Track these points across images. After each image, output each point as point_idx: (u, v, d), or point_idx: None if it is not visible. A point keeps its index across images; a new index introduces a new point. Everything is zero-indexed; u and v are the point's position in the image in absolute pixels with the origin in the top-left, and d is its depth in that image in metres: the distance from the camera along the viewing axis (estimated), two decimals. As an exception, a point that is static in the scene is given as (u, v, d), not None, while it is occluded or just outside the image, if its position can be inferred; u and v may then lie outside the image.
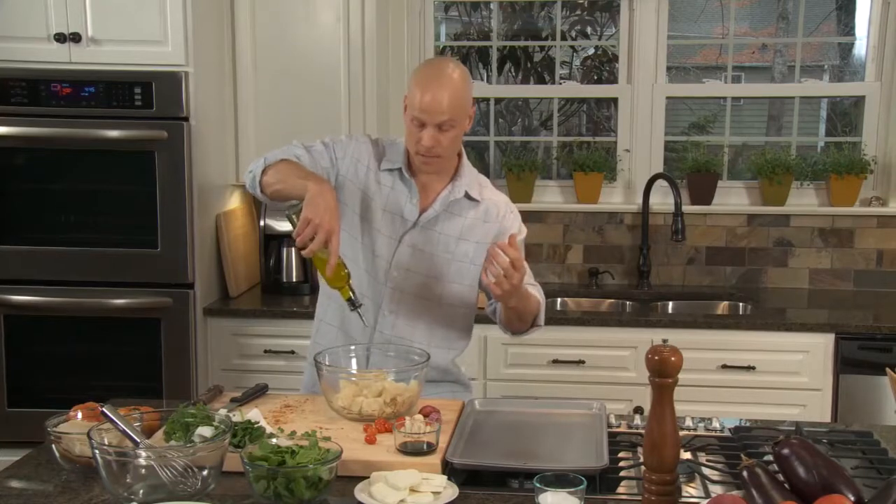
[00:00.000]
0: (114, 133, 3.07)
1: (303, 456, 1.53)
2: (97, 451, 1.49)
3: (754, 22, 4.16)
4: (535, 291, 2.16)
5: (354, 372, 2.05)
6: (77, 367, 3.19)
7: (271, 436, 1.72)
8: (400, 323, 2.18)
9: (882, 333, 3.07)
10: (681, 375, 1.46)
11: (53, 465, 1.69)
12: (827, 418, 3.08)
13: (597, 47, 4.18)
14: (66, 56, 3.10)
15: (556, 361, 3.17)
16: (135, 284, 3.15)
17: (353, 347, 2.13)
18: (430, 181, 2.19)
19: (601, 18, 4.14)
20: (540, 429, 1.90)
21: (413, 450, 1.70)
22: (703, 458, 1.77)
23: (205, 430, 1.61)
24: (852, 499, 1.36)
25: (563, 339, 3.16)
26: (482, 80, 4.06)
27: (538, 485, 1.43)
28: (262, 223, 3.56)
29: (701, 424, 1.95)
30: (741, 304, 3.57)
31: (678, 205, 3.45)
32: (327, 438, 1.67)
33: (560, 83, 3.97)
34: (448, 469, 1.67)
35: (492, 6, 3.94)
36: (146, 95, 3.07)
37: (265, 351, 3.26)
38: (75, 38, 3.08)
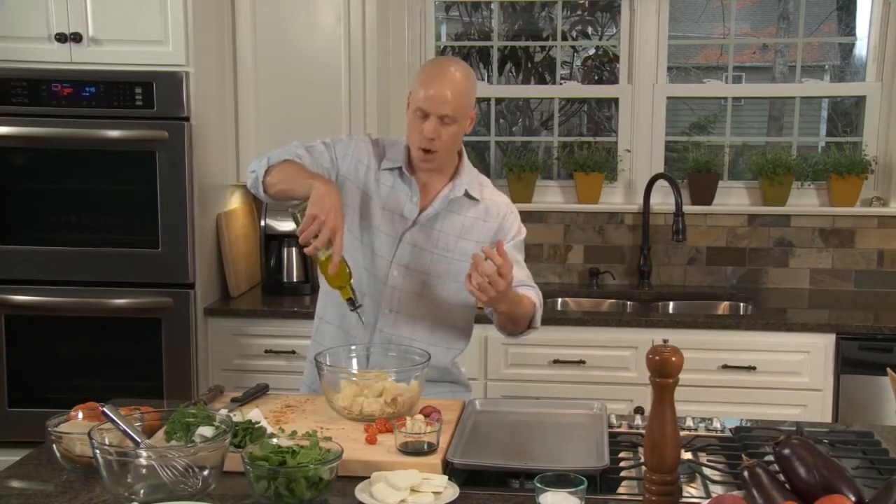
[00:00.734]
0: (114, 133, 3.07)
1: (303, 456, 1.53)
2: (98, 451, 1.49)
3: (755, 22, 4.16)
4: (532, 293, 2.15)
5: (355, 372, 2.05)
6: (78, 367, 3.19)
7: (272, 436, 1.72)
8: (401, 322, 2.18)
9: (883, 333, 3.06)
10: (681, 375, 1.46)
11: (54, 464, 1.69)
12: (828, 418, 3.08)
13: (597, 47, 4.18)
14: (67, 56, 3.10)
15: (556, 361, 3.17)
16: (135, 284, 3.15)
17: (353, 347, 2.14)
18: (430, 180, 2.19)
19: (602, 18, 4.14)
20: (540, 429, 1.90)
21: (414, 450, 1.70)
22: (703, 458, 1.77)
23: (205, 430, 1.61)
24: (853, 499, 1.36)
25: (563, 339, 3.16)
26: (483, 80, 4.05)
27: (539, 485, 1.43)
28: (262, 223, 3.57)
29: (702, 424, 1.95)
30: (742, 304, 3.57)
31: (679, 205, 3.45)
32: (328, 438, 1.67)
33: (561, 83, 3.97)
34: (449, 469, 1.66)
35: (492, 6, 3.94)
36: (147, 95, 3.07)
37: (266, 351, 3.26)
38: (76, 38, 3.08)
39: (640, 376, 3.10)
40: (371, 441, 1.76)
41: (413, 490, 1.54)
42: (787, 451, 1.46)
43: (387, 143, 2.25)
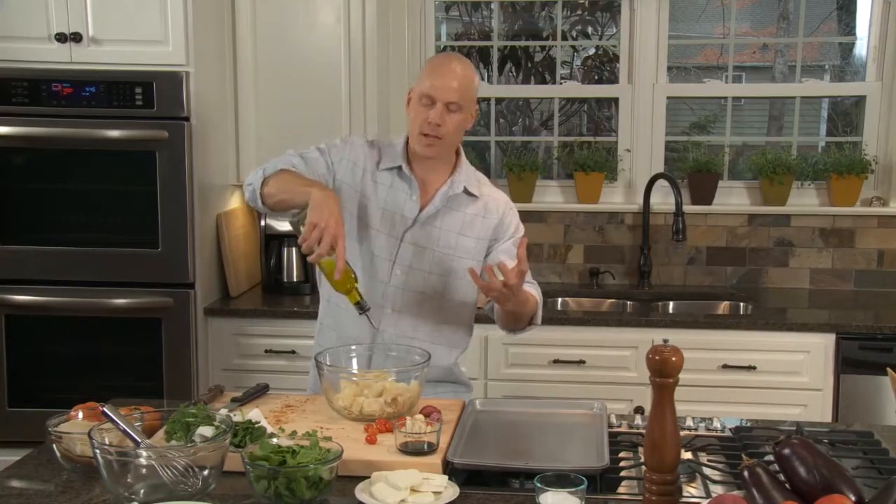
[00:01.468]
0: (114, 133, 3.07)
1: (303, 456, 1.53)
2: (98, 451, 1.49)
3: (755, 22, 4.16)
4: (533, 290, 2.16)
5: (355, 372, 2.05)
6: (78, 367, 3.19)
7: (272, 435, 1.72)
8: (403, 322, 2.19)
9: (883, 333, 3.06)
10: (681, 375, 1.46)
11: (54, 464, 1.69)
12: (828, 418, 3.08)
13: (597, 47, 4.18)
14: (67, 56, 3.10)
15: (556, 361, 3.17)
16: (135, 284, 3.15)
17: (353, 347, 2.13)
18: (429, 178, 2.20)
19: (602, 18, 4.14)
20: (541, 429, 1.90)
21: (414, 450, 1.70)
22: (703, 458, 1.77)
23: (205, 430, 1.61)
24: (853, 499, 1.36)
25: (563, 339, 3.16)
26: (483, 79, 4.05)
27: (539, 485, 1.43)
28: (262, 223, 3.57)
29: (702, 424, 1.95)
30: (742, 304, 3.57)
31: (679, 205, 3.44)
32: (328, 438, 1.67)
33: (561, 83, 3.97)
34: (449, 469, 1.67)
35: (492, 6, 3.94)
36: (147, 95, 3.07)
37: (266, 351, 3.26)
38: (76, 37, 3.08)
39: (640, 376, 3.10)
40: (371, 441, 1.76)
41: (413, 490, 1.54)
42: (787, 451, 1.46)
43: (383, 144, 2.25)
